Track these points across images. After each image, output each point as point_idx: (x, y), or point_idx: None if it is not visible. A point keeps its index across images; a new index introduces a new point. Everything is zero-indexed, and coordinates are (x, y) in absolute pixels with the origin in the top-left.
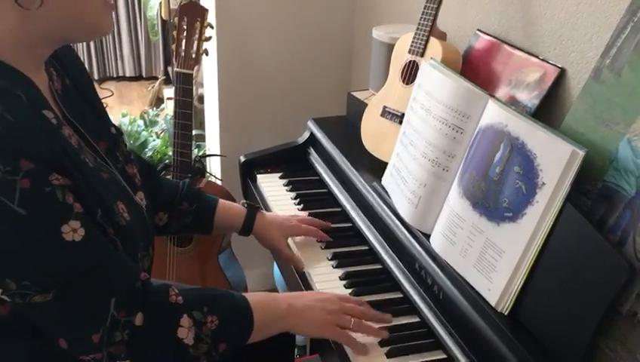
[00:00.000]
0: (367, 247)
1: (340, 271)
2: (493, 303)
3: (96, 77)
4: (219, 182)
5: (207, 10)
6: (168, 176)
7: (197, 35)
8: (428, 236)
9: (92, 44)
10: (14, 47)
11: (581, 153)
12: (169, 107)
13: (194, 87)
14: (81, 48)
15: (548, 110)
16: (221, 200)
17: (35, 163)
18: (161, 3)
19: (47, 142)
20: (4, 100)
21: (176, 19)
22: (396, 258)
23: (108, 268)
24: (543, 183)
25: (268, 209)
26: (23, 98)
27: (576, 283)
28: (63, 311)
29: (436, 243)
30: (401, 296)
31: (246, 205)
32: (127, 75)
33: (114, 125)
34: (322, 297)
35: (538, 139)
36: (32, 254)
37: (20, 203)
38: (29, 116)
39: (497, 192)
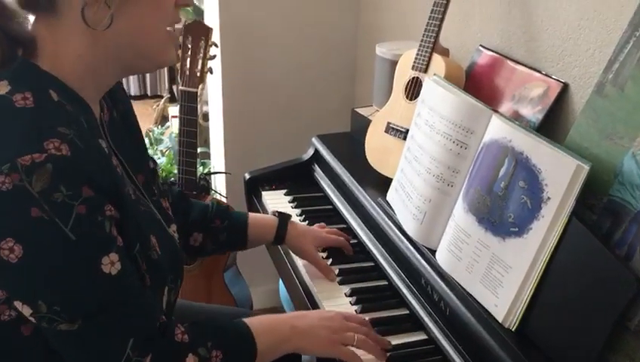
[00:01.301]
0: (372, 263)
1: (345, 288)
2: (500, 319)
3: None
4: (224, 200)
5: (211, 29)
6: None
7: (202, 54)
8: (433, 252)
9: None
10: (81, 74)
11: (586, 167)
12: (174, 125)
13: (199, 105)
14: None
15: (552, 125)
16: (251, 214)
17: (95, 192)
18: None
19: (106, 173)
20: (74, 126)
21: (181, 38)
22: (402, 274)
23: (133, 307)
24: (549, 198)
25: None
26: (84, 125)
27: (583, 297)
28: (84, 344)
29: (442, 258)
30: (407, 312)
31: (277, 214)
32: (132, 93)
33: (152, 158)
34: (326, 316)
35: (542, 154)
36: (70, 279)
37: (73, 228)
38: (91, 144)
39: (503, 207)
